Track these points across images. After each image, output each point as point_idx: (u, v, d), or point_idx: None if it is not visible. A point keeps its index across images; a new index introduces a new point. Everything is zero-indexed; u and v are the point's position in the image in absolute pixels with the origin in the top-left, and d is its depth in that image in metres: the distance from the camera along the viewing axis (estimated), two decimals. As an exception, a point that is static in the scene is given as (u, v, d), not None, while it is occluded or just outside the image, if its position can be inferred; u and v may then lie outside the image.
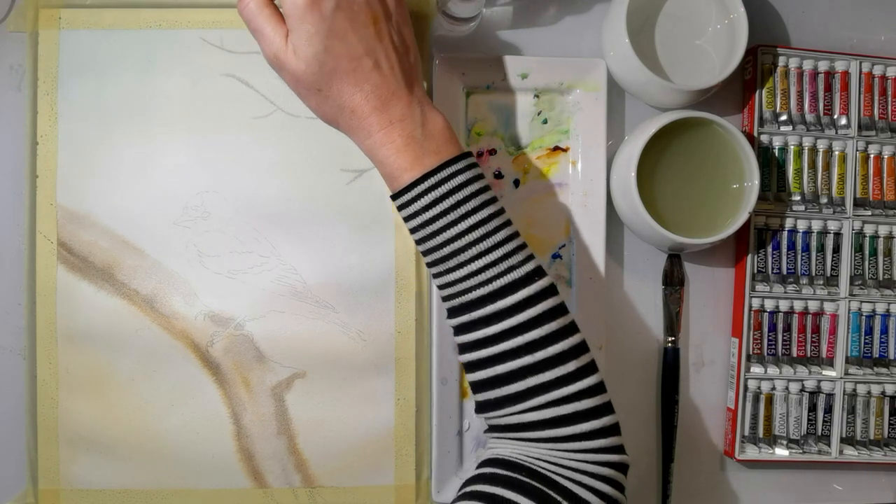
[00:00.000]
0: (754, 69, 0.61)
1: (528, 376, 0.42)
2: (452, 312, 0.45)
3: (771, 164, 0.61)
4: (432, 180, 0.42)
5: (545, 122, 0.60)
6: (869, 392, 0.61)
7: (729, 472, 0.63)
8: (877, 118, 0.62)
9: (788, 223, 0.61)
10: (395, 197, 0.44)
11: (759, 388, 0.61)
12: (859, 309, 0.61)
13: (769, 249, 0.61)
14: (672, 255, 0.61)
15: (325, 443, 0.58)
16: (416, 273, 0.58)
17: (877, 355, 0.62)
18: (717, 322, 0.63)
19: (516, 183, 0.59)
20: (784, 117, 0.61)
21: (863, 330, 0.62)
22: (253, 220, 0.58)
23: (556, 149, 0.60)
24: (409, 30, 0.46)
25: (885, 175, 0.62)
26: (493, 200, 0.44)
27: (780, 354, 0.61)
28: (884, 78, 0.62)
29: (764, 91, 0.61)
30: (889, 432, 0.62)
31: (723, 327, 0.63)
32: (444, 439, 0.58)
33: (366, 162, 0.58)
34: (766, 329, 0.61)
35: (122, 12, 0.57)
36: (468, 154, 0.45)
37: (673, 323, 0.61)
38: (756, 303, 0.61)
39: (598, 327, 0.59)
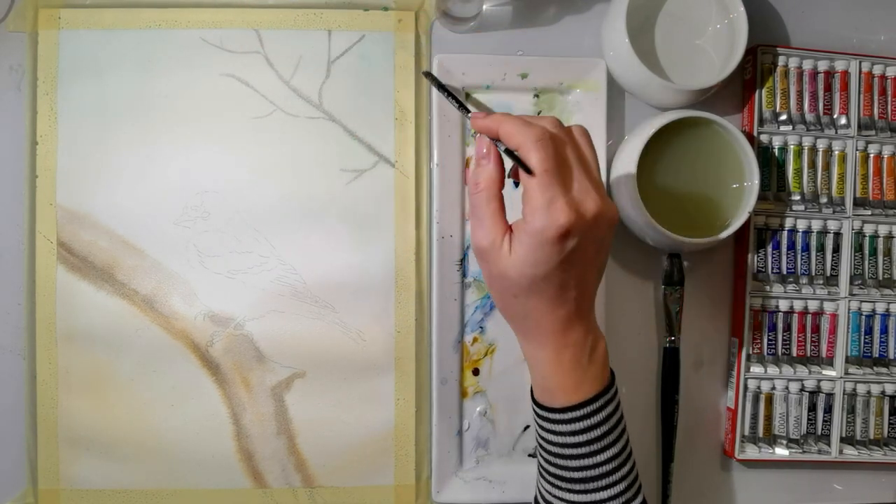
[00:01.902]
0: (754, 69, 0.61)
1: None
2: None
3: (771, 164, 0.61)
4: (587, 409, 0.43)
5: (545, 121, 0.59)
6: (869, 392, 0.61)
7: (729, 472, 0.63)
8: (876, 118, 0.62)
9: (788, 223, 0.61)
10: (541, 408, 0.45)
11: (758, 387, 0.61)
12: (859, 308, 0.61)
13: (769, 249, 0.61)
14: (672, 255, 0.61)
15: (325, 443, 0.58)
16: (416, 273, 0.58)
17: (877, 355, 0.62)
18: (716, 322, 0.62)
19: (516, 183, 0.59)
20: (784, 117, 0.61)
21: (862, 329, 0.62)
22: (253, 220, 0.58)
23: (556, 149, 0.60)
24: (608, 255, 0.46)
25: (884, 175, 0.62)
26: (625, 429, 0.45)
27: (779, 354, 0.61)
28: (883, 78, 0.62)
29: (764, 91, 0.61)
30: (889, 432, 0.62)
31: (723, 327, 0.63)
32: (444, 439, 0.58)
33: (365, 162, 0.58)
34: (765, 329, 0.61)
35: (122, 12, 0.57)
36: (613, 378, 0.45)
37: (673, 323, 0.61)
38: (756, 302, 0.61)
39: (598, 327, 0.59)
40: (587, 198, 0.41)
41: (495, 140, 0.43)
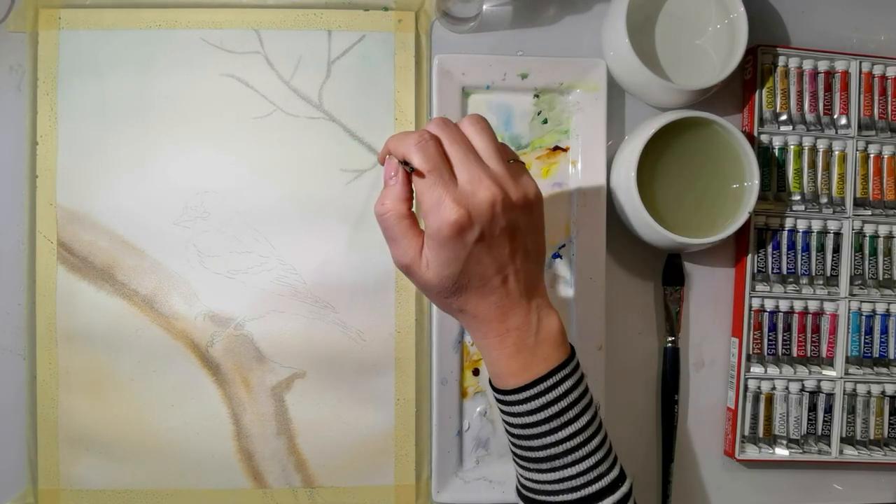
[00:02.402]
0: (754, 69, 0.61)
1: None
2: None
3: (771, 164, 0.61)
4: (538, 388, 0.43)
5: (545, 121, 0.60)
6: (869, 392, 0.61)
7: (729, 472, 0.63)
8: (877, 118, 0.62)
9: (788, 223, 0.61)
10: (497, 392, 0.45)
11: (759, 387, 0.61)
12: (859, 309, 0.61)
13: (769, 249, 0.61)
14: (672, 255, 0.61)
15: (325, 443, 0.58)
16: (416, 273, 0.58)
17: (877, 355, 0.62)
18: (717, 322, 0.62)
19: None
20: (784, 117, 0.61)
21: (863, 330, 0.62)
22: (252, 220, 0.58)
23: (556, 149, 0.60)
24: (541, 235, 0.46)
25: (884, 175, 0.62)
26: (590, 404, 0.45)
27: (780, 354, 0.61)
28: (884, 78, 0.62)
29: (764, 91, 0.61)
30: (889, 432, 0.62)
31: (723, 327, 0.63)
32: (444, 439, 0.58)
33: (365, 162, 0.58)
34: (766, 329, 0.61)
35: (122, 12, 0.57)
36: (573, 355, 0.45)
37: (673, 323, 0.61)
38: (756, 303, 0.61)
39: (597, 327, 0.59)
40: (479, 187, 0.41)
41: (402, 163, 0.43)
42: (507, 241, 0.43)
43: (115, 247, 0.57)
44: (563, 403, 0.43)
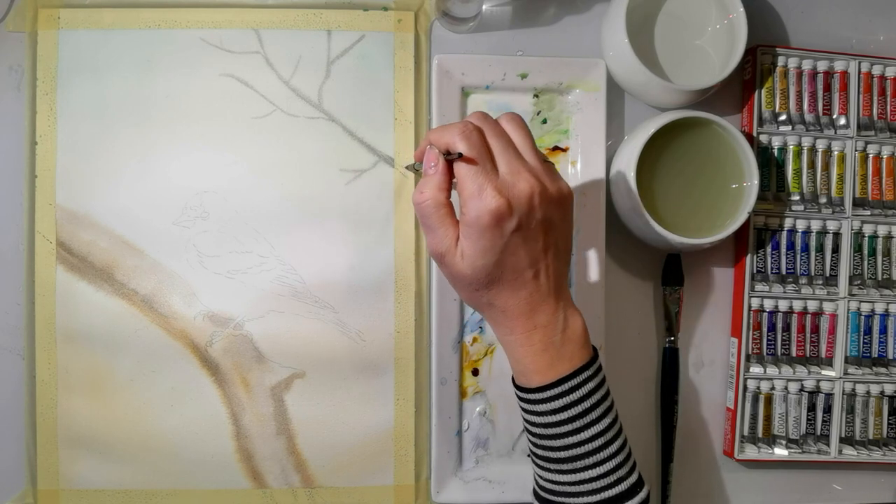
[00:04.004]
0: (753, 69, 0.61)
1: None
2: None
3: (770, 164, 0.61)
4: (563, 387, 0.43)
5: (545, 121, 0.60)
6: (868, 392, 0.62)
7: (728, 472, 0.63)
8: (876, 118, 0.62)
9: (788, 223, 0.61)
10: (521, 389, 0.45)
11: (758, 387, 0.61)
12: (858, 309, 0.62)
13: (768, 249, 0.61)
14: (672, 255, 0.61)
15: (325, 443, 0.58)
16: (416, 273, 0.58)
17: (876, 355, 0.62)
18: (716, 322, 0.63)
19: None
20: (783, 117, 0.61)
21: (862, 330, 0.62)
22: (252, 220, 0.58)
23: (556, 149, 0.60)
24: (570, 234, 0.46)
25: (883, 175, 0.62)
26: (611, 407, 0.45)
27: (779, 354, 0.61)
28: (883, 78, 0.62)
29: (763, 91, 0.61)
30: (888, 432, 0.62)
31: (722, 327, 0.63)
32: (444, 439, 0.58)
33: (365, 162, 0.58)
34: (765, 329, 0.61)
35: (122, 12, 0.57)
36: (596, 356, 0.46)
37: (672, 323, 0.61)
38: (755, 303, 0.61)
39: (597, 327, 0.58)
40: (518, 179, 0.42)
41: (443, 153, 0.43)
42: (541, 235, 0.43)
43: (114, 247, 0.57)
44: (587, 404, 0.43)
